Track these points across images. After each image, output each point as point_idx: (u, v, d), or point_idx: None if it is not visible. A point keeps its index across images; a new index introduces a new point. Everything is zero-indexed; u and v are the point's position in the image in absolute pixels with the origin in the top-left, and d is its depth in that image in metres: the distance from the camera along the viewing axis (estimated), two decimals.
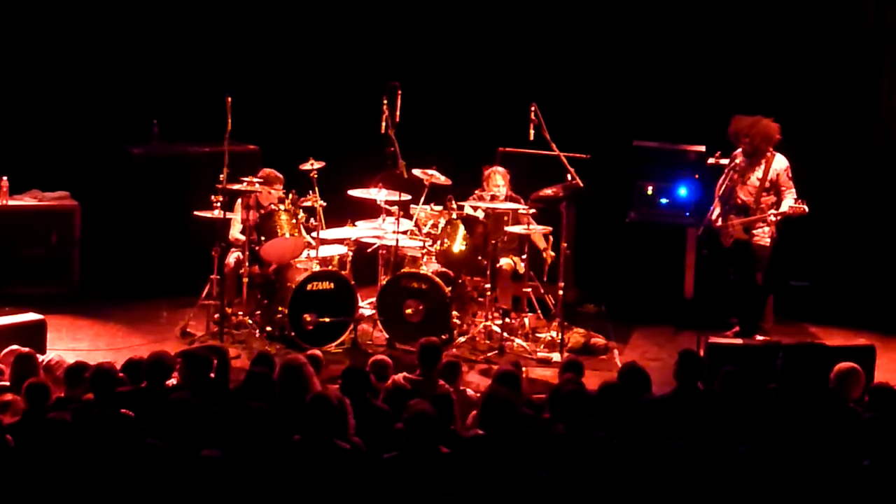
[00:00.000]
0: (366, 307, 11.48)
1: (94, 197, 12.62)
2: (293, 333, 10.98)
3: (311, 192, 11.40)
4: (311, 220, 11.32)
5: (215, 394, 7.95)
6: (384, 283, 11.27)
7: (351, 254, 11.49)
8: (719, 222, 11.25)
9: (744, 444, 7.06)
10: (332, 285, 11.13)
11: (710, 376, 8.36)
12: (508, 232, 11.29)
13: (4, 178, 12.09)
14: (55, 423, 6.99)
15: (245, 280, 11.26)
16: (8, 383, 8.24)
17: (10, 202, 12.16)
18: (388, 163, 11.35)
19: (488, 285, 11.26)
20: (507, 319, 11.45)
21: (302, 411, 7.14)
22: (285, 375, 7.83)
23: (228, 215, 11.30)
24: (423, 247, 11.42)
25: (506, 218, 11.31)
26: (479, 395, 8.42)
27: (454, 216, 11.30)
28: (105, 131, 13.07)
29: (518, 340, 11.21)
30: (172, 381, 8.28)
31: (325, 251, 11.39)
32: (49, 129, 13.08)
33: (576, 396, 7.37)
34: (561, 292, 11.25)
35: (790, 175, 11.07)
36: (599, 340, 11.40)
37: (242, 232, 11.28)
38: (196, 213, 11.42)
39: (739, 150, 11.20)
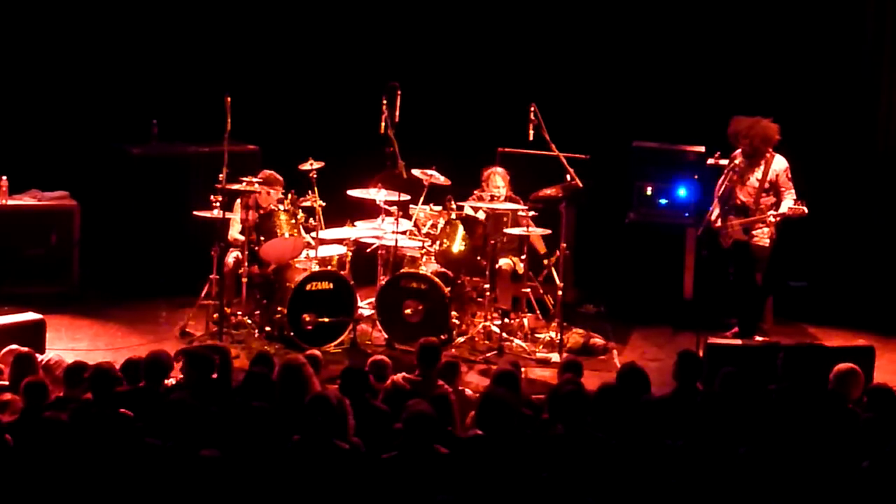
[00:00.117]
0: (365, 307, 11.47)
1: (93, 197, 12.62)
2: (292, 333, 10.97)
3: (310, 192, 11.39)
4: (311, 220, 11.31)
5: (217, 393, 7.96)
6: (383, 283, 11.27)
7: (350, 254, 11.49)
8: (718, 223, 11.24)
9: (743, 445, 7.07)
10: (331, 285, 11.13)
11: (709, 377, 8.35)
12: (508, 234, 11.29)
13: (4, 177, 12.09)
14: (52, 423, 6.99)
15: (244, 280, 11.26)
16: (7, 383, 8.24)
17: (10, 202, 12.16)
18: (387, 163, 11.33)
19: (487, 286, 11.25)
20: (507, 320, 11.45)
21: (301, 411, 7.15)
22: (285, 375, 7.84)
23: (228, 215, 11.29)
24: (423, 247, 11.42)
25: (505, 219, 11.30)
26: (477, 395, 8.41)
27: (453, 216, 11.30)
28: (104, 131, 13.07)
29: (517, 341, 11.20)
30: (171, 381, 8.28)
31: (324, 251, 11.39)
32: (48, 129, 13.08)
33: (575, 397, 7.37)
34: (560, 293, 11.25)
35: (789, 176, 11.07)
36: (598, 341, 11.39)
37: (242, 232, 11.28)
38: (195, 213, 11.43)
39: (739, 150, 11.18)
